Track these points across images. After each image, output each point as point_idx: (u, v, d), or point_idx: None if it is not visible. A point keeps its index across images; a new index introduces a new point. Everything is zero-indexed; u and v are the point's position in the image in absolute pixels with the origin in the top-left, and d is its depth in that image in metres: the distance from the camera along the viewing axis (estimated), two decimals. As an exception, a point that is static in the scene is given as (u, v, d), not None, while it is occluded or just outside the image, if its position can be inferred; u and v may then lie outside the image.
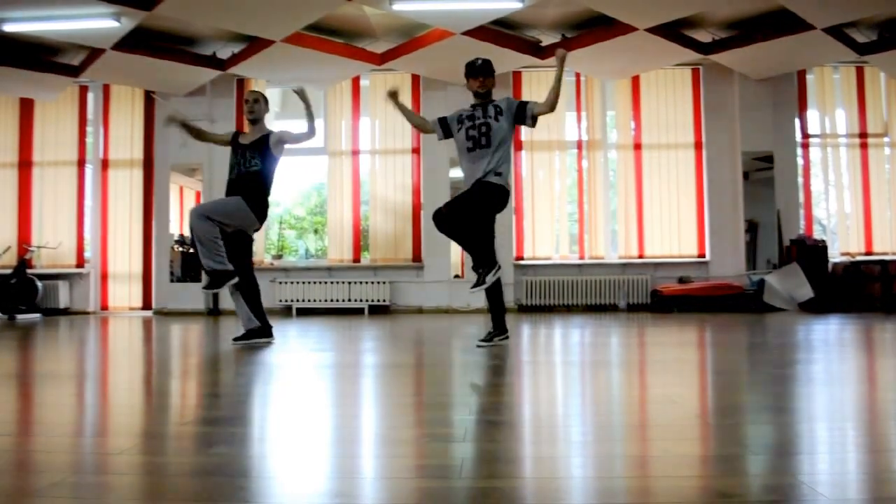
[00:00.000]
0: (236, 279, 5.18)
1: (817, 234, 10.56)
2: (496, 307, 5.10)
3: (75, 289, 10.85)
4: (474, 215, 4.89)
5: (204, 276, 5.21)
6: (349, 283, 10.32)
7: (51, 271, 10.70)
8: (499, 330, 5.08)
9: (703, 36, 9.32)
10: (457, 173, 11.12)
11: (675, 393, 3.00)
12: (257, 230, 5.56)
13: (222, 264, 5.12)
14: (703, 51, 9.41)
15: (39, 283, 10.27)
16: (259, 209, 5.36)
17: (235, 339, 5.42)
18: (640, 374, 3.71)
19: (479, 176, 4.94)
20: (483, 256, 4.91)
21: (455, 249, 10.77)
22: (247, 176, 5.37)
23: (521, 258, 10.44)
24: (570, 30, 9.17)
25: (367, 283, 10.30)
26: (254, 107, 5.49)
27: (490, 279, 4.87)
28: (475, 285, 4.87)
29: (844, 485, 1.65)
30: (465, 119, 5.08)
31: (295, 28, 8.53)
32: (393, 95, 5.28)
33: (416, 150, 10.60)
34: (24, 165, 11.00)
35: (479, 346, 4.93)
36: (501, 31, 8.99)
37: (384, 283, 10.28)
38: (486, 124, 4.98)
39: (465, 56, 9.30)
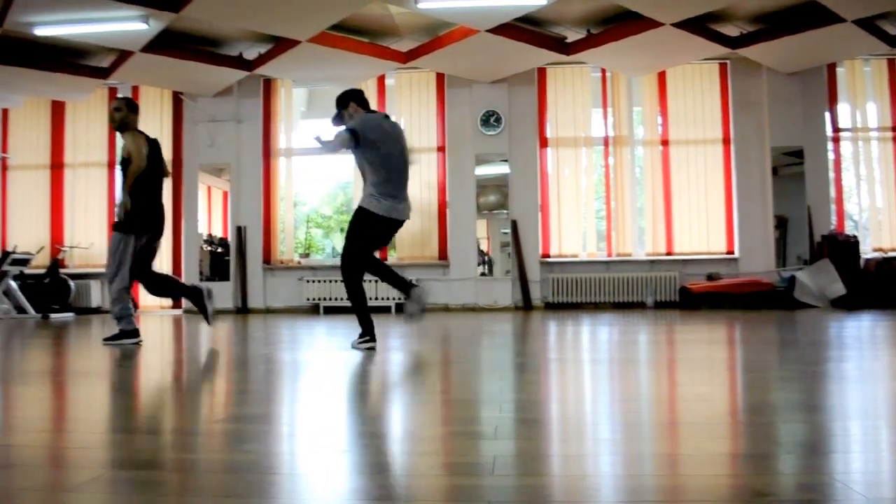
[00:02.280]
0: (137, 340, 5.24)
1: (849, 230, 10.40)
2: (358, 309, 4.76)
3: (107, 288, 10.98)
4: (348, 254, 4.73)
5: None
6: (375, 281, 10.26)
7: (83, 271, 10.86)
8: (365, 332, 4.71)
9: (731, 30, 9.21)
10: (481, 171, 11.20)
11: (706, 391, 2.98)
12: (159, 236, 5.44)
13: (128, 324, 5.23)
14: (731, 45, 9.31)
15: (72, 283, 10.43)
16: (136, 224, 5.19)
17: (106, 340, 5.31)
18: (669, 372, 3.69)
19: None
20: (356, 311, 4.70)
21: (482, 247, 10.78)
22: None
23: (548, 255, 10.41)
24: (596, 25, 9.12)
25: (393, 281, 10.30)
26: (113, 115, 5.44)
27: (356, 345, 4.62)
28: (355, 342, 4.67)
29: (880, 484, 1.63)
30: None
31: (320, 28, 8.57)
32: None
33: (441, 149, 10.61)
34: (56, 167, 11.18)
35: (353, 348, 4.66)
36: (526, 27, 8.96)
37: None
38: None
39: (490, 54, 9.42)
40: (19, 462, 1.94)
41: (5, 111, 11.27)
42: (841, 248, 9.48)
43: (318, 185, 17.87)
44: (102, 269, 10.88)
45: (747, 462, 1.83)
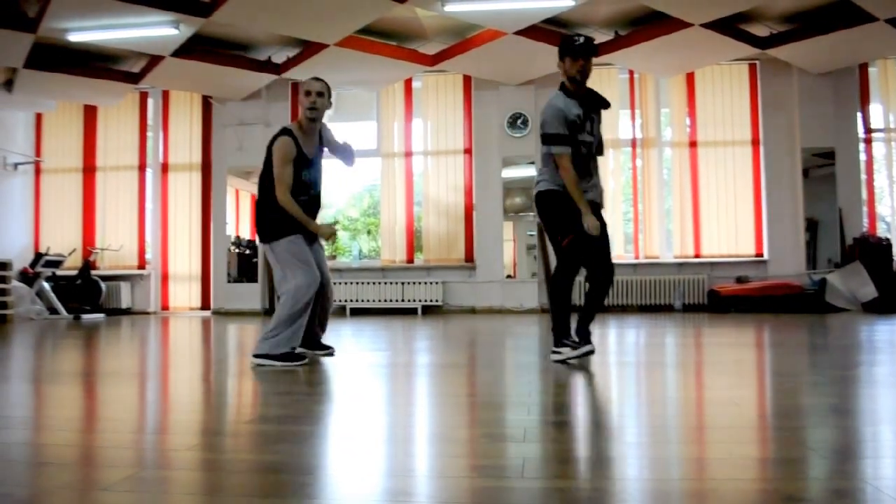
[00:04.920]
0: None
1: (881, 232, 10.24)
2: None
3: (137, 289, 11.14)
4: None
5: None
6: (402, 283, 10.38)
7: (113, 273, 11.00)
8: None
9: (761, 30, 9.11)
10: (509, 173, 11.18)
11: (736, 395, 2.95)
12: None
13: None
14: (761, 45, 9.21)
15: (103, 285, 10.59)
16: None
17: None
18: (698, 376, 3.66)
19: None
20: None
21: (507, 250, 10.75)
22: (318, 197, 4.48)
23: (574, 258, 10.34)
24: (623, 27, 9.07)
25: (420, 283, 10.35)
26: (317, 101, 4.16)
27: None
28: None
29: (915, 490, 1.61)
30: (579, 123, 4.24)
31: (348, 31, 8.61)
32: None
33: (468, 151, 10.61)
34: (88, 170, 11.34)
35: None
36: (553, 29, 8.93)
37: (437, 283, 10.31)
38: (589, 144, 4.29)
39: (517, 56, 9.41)
40: (53, 461, 1.98)
41: (39, 116, 11.47)
42: (872, 251, 9.33)
43: (344, 188, 17.97)
44: (132, 271, 11.17)
45: (778, 466, 1.82)
